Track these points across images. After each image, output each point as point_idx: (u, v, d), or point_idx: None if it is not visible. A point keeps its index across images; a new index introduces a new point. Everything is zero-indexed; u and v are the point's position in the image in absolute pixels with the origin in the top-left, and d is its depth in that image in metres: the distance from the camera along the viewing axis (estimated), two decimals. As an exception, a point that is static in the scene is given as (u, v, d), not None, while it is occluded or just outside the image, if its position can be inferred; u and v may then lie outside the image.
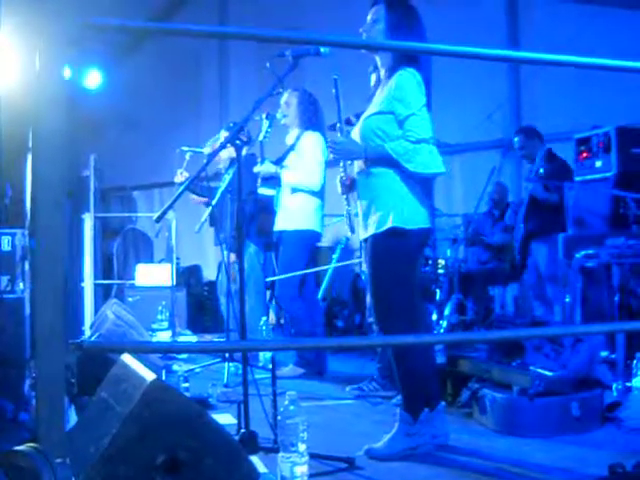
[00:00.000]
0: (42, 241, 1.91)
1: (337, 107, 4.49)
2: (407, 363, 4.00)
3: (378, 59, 4.15)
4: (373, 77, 4.29)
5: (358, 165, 4.16)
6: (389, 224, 3.91)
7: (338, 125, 4.42)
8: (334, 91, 4.45)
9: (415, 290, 4.11)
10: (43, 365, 1.90)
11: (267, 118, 5.90)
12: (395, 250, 3.95)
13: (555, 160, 7.24)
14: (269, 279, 6.66)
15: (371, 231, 3.99)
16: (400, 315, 3.96)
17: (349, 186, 4.40)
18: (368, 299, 5.72)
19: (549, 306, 7.10)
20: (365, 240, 4.13)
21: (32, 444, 1.44)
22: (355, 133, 4.15)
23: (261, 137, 5.94)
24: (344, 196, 4.55)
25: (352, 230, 4.73)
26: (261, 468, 3.45)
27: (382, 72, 4.14)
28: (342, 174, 4.40)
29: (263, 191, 6.75)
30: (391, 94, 3.96)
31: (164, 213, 3.72)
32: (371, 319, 5.81)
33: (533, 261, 7.38)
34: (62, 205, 1.90)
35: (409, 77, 3.92)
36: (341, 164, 4.39)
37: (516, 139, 7.51)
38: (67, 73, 1.95)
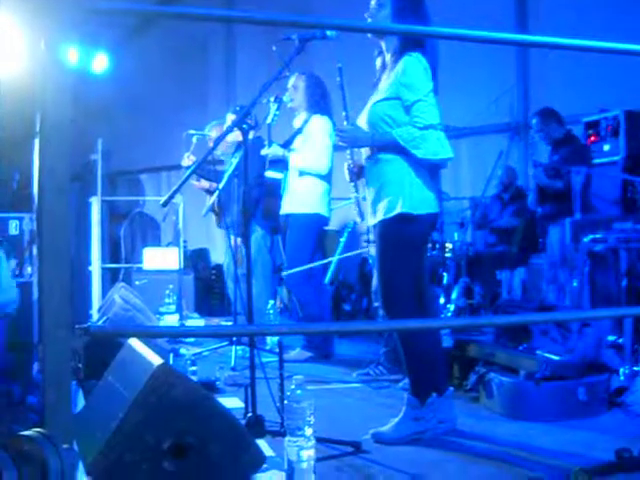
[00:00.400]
0: (47, 226, 1.91)
1: (342, 95, 4.47)
2: (414, 347, 4.00)
3: (384, 44, 4.13)
4: (378, 61, 4.26)
5: (365, 152, 4.15)
6: (398, 210, 3.90)
7: (343, 113, 4.40)
8: (339, 79, 4.42)
9: (423, 274, 4.11)
10: (49, 350, 1.90)
11: (275, 101, 5.89)
12: (404, 235, 3.95)
13: (572, 143, 7.19)
14: (285, 273, 6.64)
15: (380, 217, 3.98)
16: (407, 300, 3.97)
17: (357, 173, 4.38)
18: (374, 283, 5.71)
19: (562, 290, 7.10)
20: (374, 226, 4.12)
21: (39, 429, 1.44)
22: (361, 121, 4.13)
23: (269, 120, 5.93)
24: (352, 183, 4.53)
25: (362, 216, 4.72)
26: (268, 452, 3.46)
27: (388, 57, 4.11)
28: (349, 161, 4.39)
29: (270, 174, 6.73)
30: (398, 80, 3.94)
31: (171, 197, 3.71)
32: (377, 303, 5.81)
33: (550, 244, 7.35)
34: (66, 191, 1.90)
35: (415, 62, 3.90)
36: (348, 151, 4.38)
37: (534, 121, 7.45)
38: (73, 57, 1.95)
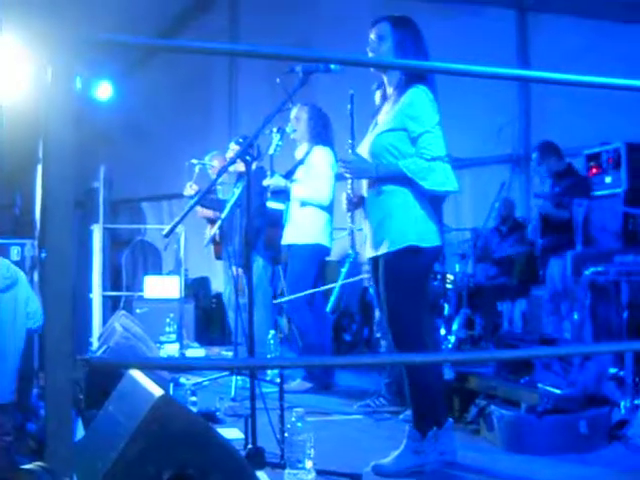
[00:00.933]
0: (51, 254, 1.92)
1: (350, 123, 4.47)
2: (419, 381, 3.99)
3: (385, 77, 4.16)
4: (378, 94, 4.29)
5: (366, 182, 4.15)
6: (405, 242, 3.91)
7: (350, 141, 4.41)
8: (349, 107, 4.42)
9: (426, 307, 4.12)
10: (51, 380, 1.91)
11: (278, 132, 5.91)
12: (410, 268, 3.95)
13: (573, 176, 7.23)
14: (280, 300, 6.63)
15: (384, 250, 3.98)
16: (415, 332, 3.97)
17: (356, 203, 4.33)
18: (377, 314, 5.71)
19: (562, 322, 7.10)
20: (373, 258, 4.12)
21: (40, 463, 1.44)
22: (362, 150, 4.14)
23: (271, 151, 5.95)
24: (349, 213, 4.52)
25: (353, 248, 4.72)
26: (268, 484, 3.45)
27: (390, 90, 4.14)
28: (349, 191, 4.37)
29: (272, 205, 6.75)
30: (403, 111, 3.96)
31: (173, 228, 3.73)
32: (379, 334, 5.80)
33: (550, 276, 7.36)
34: (71, 218, 1.91)
35: (422, 94, 3.93)
36: (349, 181, 4.36)
37: (534, 155, 7.50)
38: (77, 85, 1.97)
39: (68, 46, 1.92)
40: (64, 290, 1.92)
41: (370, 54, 4.11)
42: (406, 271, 3.95)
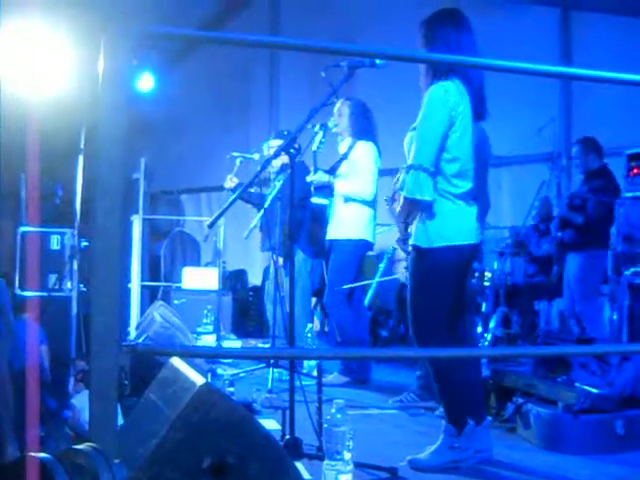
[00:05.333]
0: (99, 241, 1.94)
1: None
2: (451, 376, 3.99)
3: (422, 80, 4.12)
4: None
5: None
6: (430, 240, 3.91)
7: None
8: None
9: (460, 304, 4.12)
10: (97, 366, 1.93)
11: (320, 129, 5.92)
12: (433, 265, 3.96)
13: (606, 176, 7.22)
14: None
15: (413, 243, 4.00)
16: (431, 328, 3.99)
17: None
18: None
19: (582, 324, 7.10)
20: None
21: (91, 444, 1.47)
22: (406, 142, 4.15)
23: (314, 147, 5.95)
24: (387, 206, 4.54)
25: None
26: (305, 475, 3.47)
27: None
28: (390, 195, 4.40)
29: (316, 200, 6.77)
30: (421, 111, 3.97)
31: (217, 218, 3.76)
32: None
33: (567, 277, 7.37)
34: (120, 208, 1.94)
35: (435, 92, 3.91)
36: (395, 177, 4.36)
37: (574, 149, 7.52)
38: (132, 76, 2.01)
39: (123, 37, 1.95)
40: (112, 276, 1.95)
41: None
42: (430, 267, 3.96)
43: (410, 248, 4.02)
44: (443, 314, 4.00)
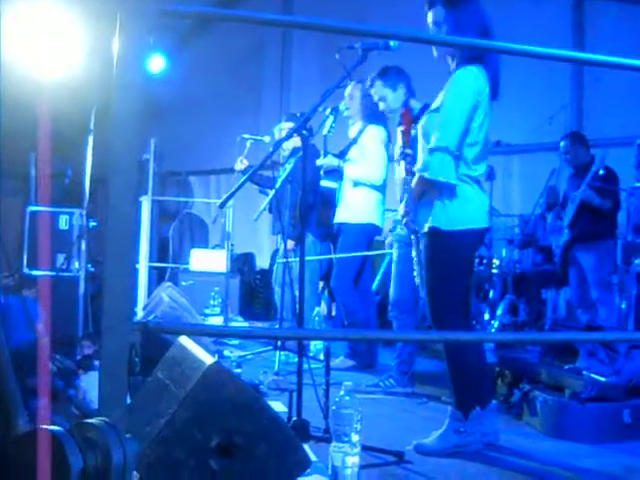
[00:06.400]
0: (113, 218, 1.94)
1: None
2: (458, 361, 3.99)
3: (450, 59, 4.08)
4: None
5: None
6: (453, 223, 3.90)
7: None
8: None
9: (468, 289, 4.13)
10: (108, 343, 1.93)
11: (331, 113, 5.90)
12: (444, 248, 3.95)
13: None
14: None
15: (423, 229, 3.99)
16: (449, 311, 3.98)
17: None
18: (391, 294, 5.68)
19: (594, 312, 7.07)
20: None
21: (104, 418, 1.47)
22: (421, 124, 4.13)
23: (325, 131, 5.94)
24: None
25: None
26: (311, 457, 3.47)
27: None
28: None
29: (325, 184, 6.76)
30: (446, 92, 3.94)
31: (228, 199, 3.76)
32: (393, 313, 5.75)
33: (576, 268, 7.34)
34: (134, 183, 1.94)
35: (464, 75, 3.87)
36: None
37: (562, 143, 7.51)
38: (146, 57, 1.99)
39: (140, 16, 1.94)
40: (125, 253, 1.95)
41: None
42: (453, 250, 3.95)
43: (425, 229, 3.98)
44: (461, 297, 4.01)
